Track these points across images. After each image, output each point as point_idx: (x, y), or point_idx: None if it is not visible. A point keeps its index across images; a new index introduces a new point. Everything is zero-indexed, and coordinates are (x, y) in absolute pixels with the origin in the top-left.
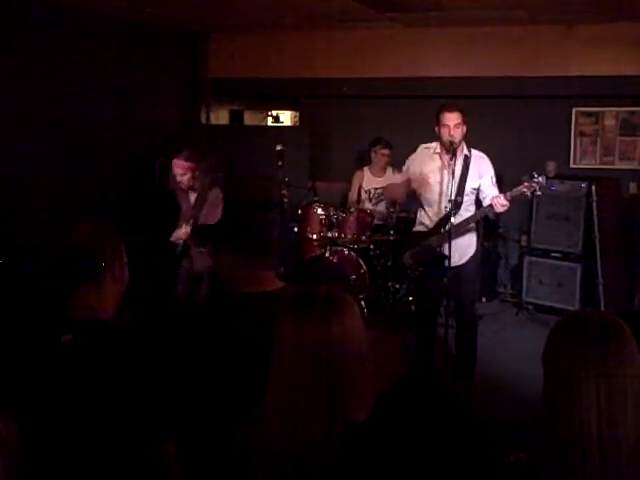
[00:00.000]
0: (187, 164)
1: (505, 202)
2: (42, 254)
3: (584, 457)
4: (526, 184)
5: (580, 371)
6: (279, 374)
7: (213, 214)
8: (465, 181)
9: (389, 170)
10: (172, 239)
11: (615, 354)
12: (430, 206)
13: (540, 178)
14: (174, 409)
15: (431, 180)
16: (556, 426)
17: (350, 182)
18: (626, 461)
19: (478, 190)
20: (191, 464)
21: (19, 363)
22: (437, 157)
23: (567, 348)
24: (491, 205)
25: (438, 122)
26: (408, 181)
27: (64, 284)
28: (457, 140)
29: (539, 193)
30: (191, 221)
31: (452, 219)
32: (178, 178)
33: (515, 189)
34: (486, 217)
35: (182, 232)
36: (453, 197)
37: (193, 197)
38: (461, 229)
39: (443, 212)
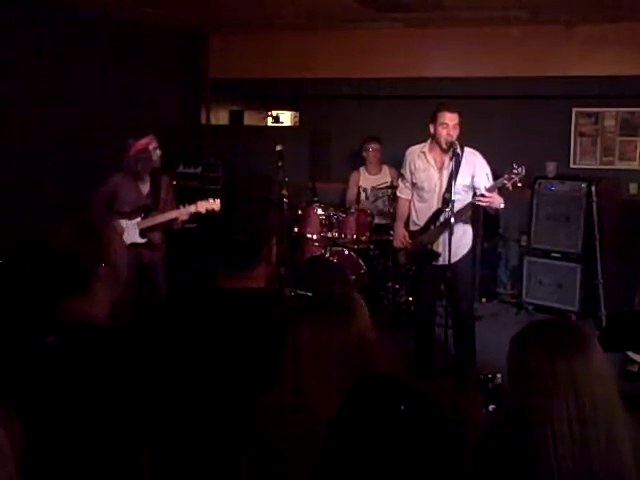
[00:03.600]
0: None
1: (486, 197)
2: (30, 258)
3: (557, 459)
4: (506, 176)
5: (546, 368)
6: (296, 375)
7: (172, 201)
8: (456, 178)
9: (385, 168)
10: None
11: (581, 355)
12: (423, 205)
13: (520, 169)
14: (157, 414)
15: (423, 182)
16: (528, 427)
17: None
18: (596, 458)
19: (473, 187)
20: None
21: (1, 362)
22: (423, 156)
23: (534, 345)
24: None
25: (436, 121)
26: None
27: (50, 292)
28: (455, 140)
29: (520, 185)
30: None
31: (452, 219)
32: (156, 154)
33: (496, 181)
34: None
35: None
36: (452, 197)
37: (142, 185)
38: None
39: (434, 210)
